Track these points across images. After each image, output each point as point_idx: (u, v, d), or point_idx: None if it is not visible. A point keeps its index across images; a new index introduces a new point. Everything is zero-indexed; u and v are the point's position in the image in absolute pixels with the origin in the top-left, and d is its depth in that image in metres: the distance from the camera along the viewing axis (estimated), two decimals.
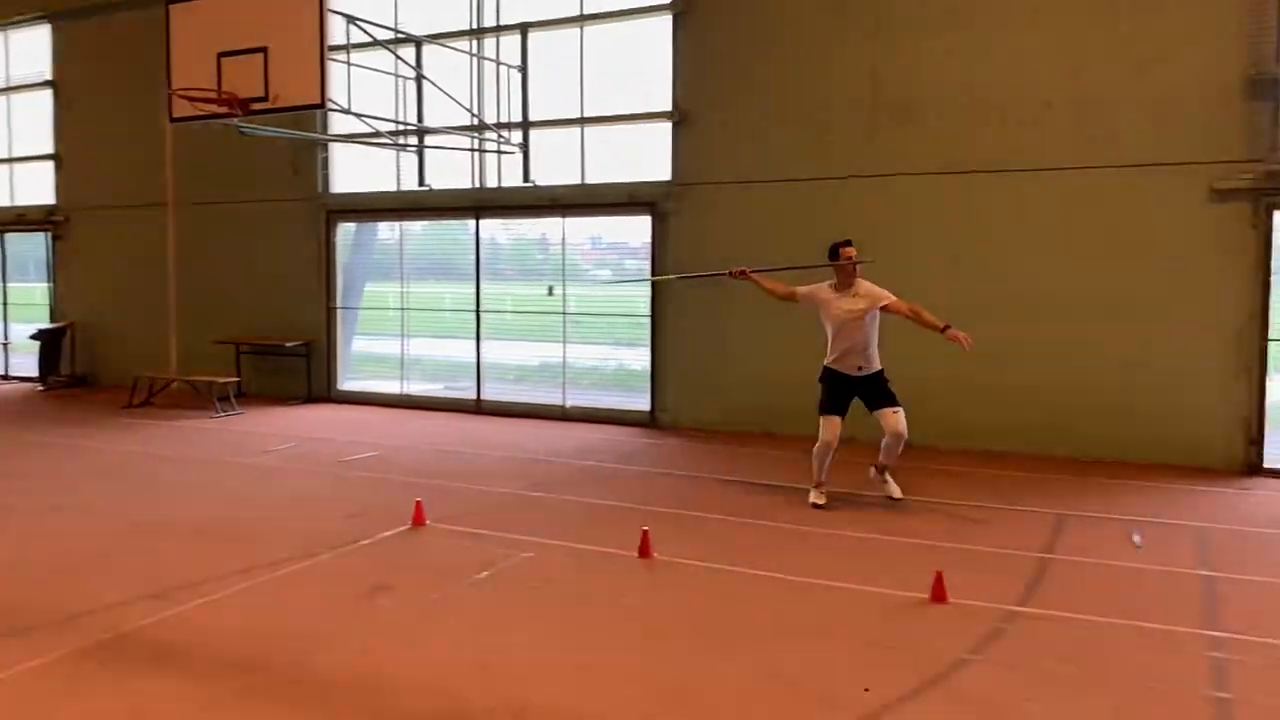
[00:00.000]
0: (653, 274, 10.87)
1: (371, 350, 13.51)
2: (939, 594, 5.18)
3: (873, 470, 7.45)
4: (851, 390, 7.22)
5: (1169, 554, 6.09)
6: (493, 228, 12.33)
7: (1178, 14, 8.53)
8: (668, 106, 10.74)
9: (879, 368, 7.22)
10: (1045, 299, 9.03)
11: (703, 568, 5.81)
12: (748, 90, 10.31)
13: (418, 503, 6.76)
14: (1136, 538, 6.39)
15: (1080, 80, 8.87)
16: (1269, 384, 8.34)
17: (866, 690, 4.11)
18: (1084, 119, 8.85)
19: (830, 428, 7.18)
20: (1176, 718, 3.92)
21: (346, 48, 9.86)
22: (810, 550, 6.25)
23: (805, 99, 10.02)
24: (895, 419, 7.02)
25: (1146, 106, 8.62)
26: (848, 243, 7.26)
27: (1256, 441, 8.36)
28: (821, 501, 7.26)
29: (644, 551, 5.96)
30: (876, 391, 7.16)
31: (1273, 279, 8.28)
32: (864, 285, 7.20)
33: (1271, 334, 8.26)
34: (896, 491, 7.34)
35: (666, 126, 10.79)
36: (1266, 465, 8.30)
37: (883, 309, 7.13)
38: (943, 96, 9.41)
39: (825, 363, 7.34)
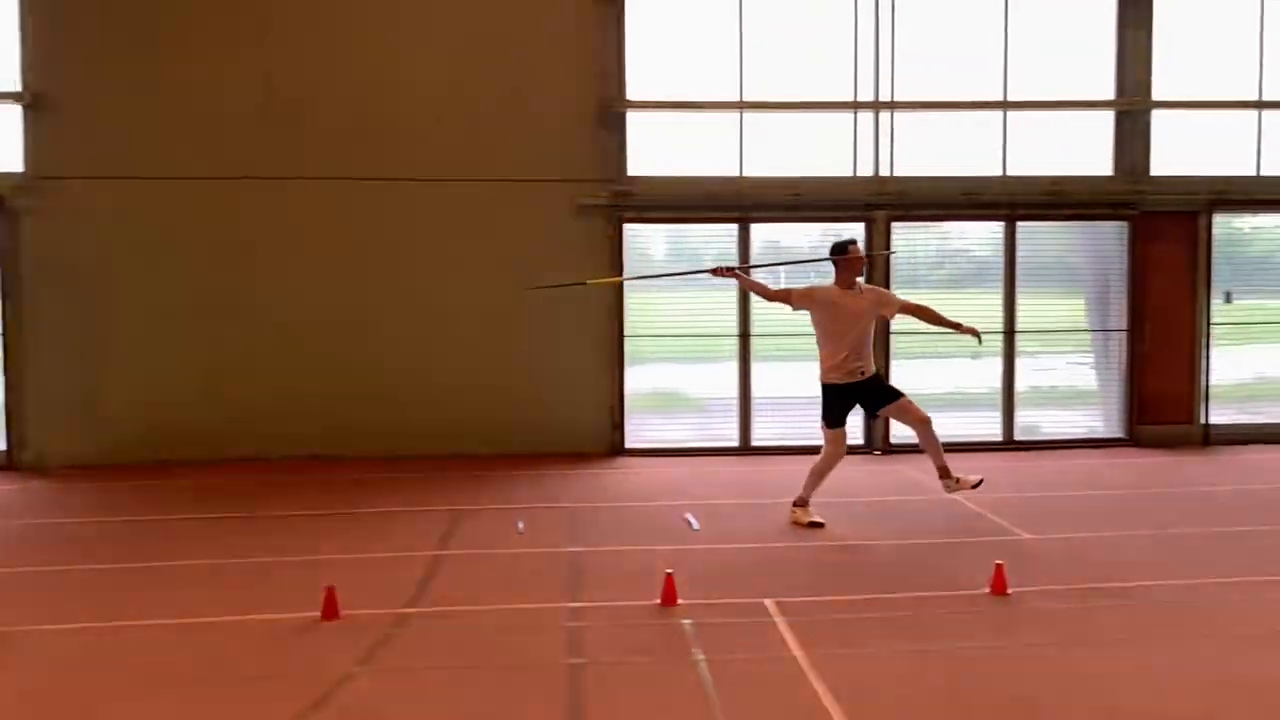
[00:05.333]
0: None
1: None
2: (330, 610, 5.10)
3: (942, 483, 6.90)
4: (853, 399, 6.89)
5: (546, 536, 6.74)
6: None
7: (543, 51, 9.51)
8: (17, 86, 9.17)
9: (874, 369, 6.98)
10: (438, 305, 9.45)
11: (58, 631, 5.00)
12: (124, 76, 9.27)
13: None
14: (520, 524, 6.98)
15: (465, 99, 9.46)
16: (627, 375, 9.68)
17: None
18: (469, 135, 9.45)
19: (838, 441, 6.88)
20: (538, 688, 4.29)
21: None
22: (198, 587, 5.74)
23: (193, 92, 9.31)
24: (913, 406, 6.79)
25: (520, 129, 9.46)
26: (853, 241, 6.94)
27: (619, 426, 9.70)
28: (819, 520, 6.82)
29: None
30: (877, 391, 6.90)
31: (626, 283, 9.59)
32: (863, 284, 6.98)
33: (626, 330, 9.61)
34: (974, 478, 6.86)
35: (16, 109, 9.21)
36: (627, 446, 9.68)
37: (900, 310, 6.94)
38: (337, 103, 9.37)
39: (824, 375, 6.86)
